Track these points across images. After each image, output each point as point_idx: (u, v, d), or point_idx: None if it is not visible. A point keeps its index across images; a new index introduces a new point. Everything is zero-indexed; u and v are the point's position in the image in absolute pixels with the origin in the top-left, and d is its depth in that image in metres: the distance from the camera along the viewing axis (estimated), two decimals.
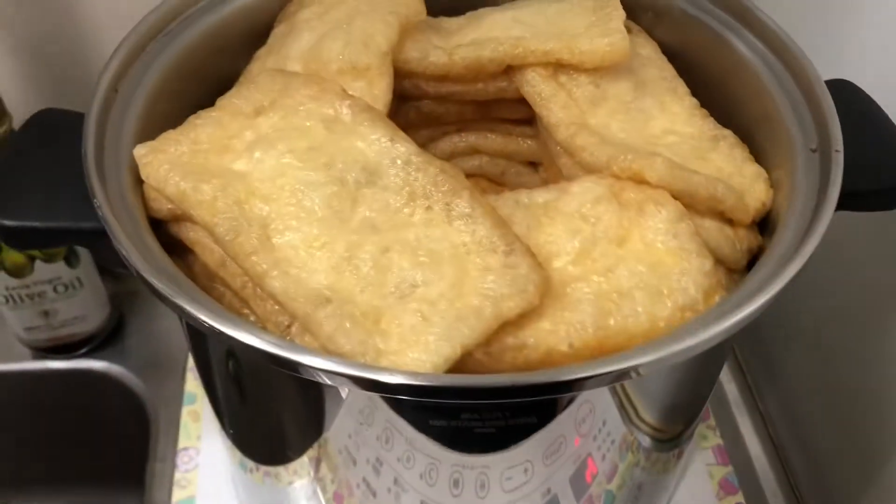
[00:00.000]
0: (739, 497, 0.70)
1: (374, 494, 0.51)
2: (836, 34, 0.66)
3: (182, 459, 0.72)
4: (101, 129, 0.48)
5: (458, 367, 0.41)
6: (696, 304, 0.45)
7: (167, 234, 0.49)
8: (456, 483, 0.49)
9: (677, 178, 0.48)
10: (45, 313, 0.84)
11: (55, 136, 0.51)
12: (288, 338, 0.44)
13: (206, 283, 0.48)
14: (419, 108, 0.59)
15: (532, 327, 0.43)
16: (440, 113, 0.59)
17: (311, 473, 0.54)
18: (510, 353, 0.43)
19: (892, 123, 0.54)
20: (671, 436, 0.57)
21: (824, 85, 0.50)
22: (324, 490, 0.55)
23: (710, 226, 0.50)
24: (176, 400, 0.82)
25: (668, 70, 0.59)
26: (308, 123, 0.48)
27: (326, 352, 0.41)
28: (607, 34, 0.54)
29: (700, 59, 0.59)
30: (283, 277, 0.42)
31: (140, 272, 0.40)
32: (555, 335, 0.43)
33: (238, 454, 0.60)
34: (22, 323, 0.85)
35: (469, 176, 0.63)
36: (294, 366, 0.37)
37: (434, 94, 0.58)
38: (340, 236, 0.43)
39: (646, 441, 0.53)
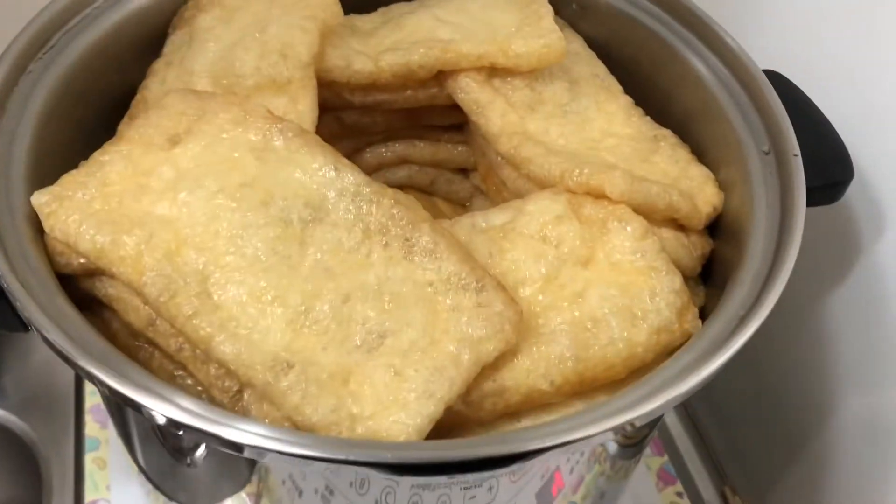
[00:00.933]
0: (679, 486, 0.71)
1: None
2: (757, 22, 0.65)
3: None
4: None
5: (437, 421, 0.37)
6: (671, 325, 0.43)
7: (77, 288, 0.42)
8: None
9: (637, 192, 0.46)
10: None
11: None
12: (239, 405, 0.39)
13: (129, 342, 0.42)
14: (342, 119, 0.54)
15: (510, 367, 0.40)
16: (365, 123, 0.55)
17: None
18: (490, 399, 0.40)
19: (823, 115, 0.54)
20: (639, 439, 0.56)
21: (769, 83, 0.49)
22: None
23: (668, 236, 0.48)
24: (68, 444, 0.74)
25: (600, 67, 0.56)
26: (235, 154, 0.42)
27: (294, 423, 0.36)
28: (541, 34, 0.51)
29: (628, 53, 0.57)
30: (233, 341, 0.37)
31: (64, 350, 0.34)
32: (535, 374, 0.40)
33: (162, 498, 0.55)
34: None
35: (398, 187, 0.59)
36: (240, 448, 0.32)
37: (359, 104, 0.53)
38: (292, 286, 0.38)
39: (613, 449, 0.51)
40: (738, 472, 0.78)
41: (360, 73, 0.51)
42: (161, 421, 0.33)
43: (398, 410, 0.36)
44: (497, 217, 0.46)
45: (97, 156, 0.42)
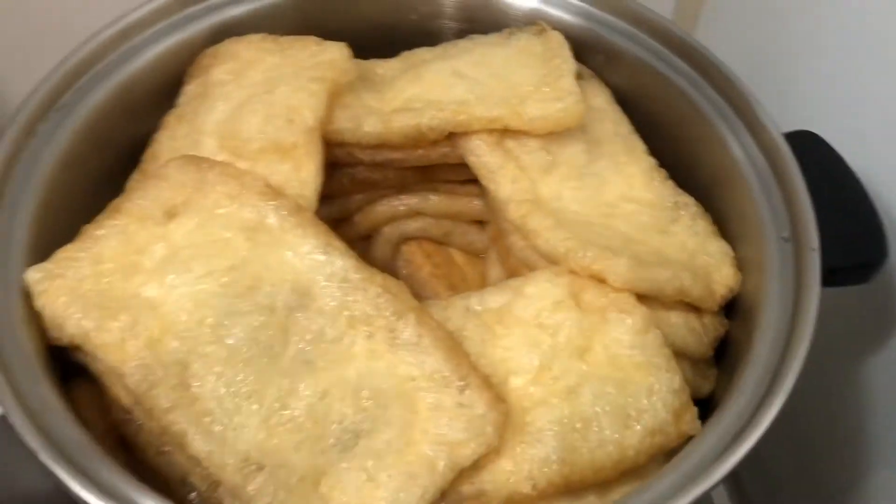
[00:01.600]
0: None
1: None
2: (796, 81, 0.62)
3: None
4: None
5: None
6: (667, 427, 0.41)
7: (72, 358, 0.43)
8: None
9: (642, 280, 0.44)
10: None
11: None
12: (215, 495, 0.39)
13: (120, 415, 0.43)
14: (353, 176, 0.53)
15: (491, 469, 0.39)
16: (377, 179, 0.54)
17: None
18: (468, 503, 0.39)
19: (859, 183, 0.50)
20: None
21: (796, 165, 0.46)
22: None
23: (677, 321, 0.46)
24: None
25: (624, 124, 0.54)
26: (227, 235, 0.42)
27: None
28: (560, 97, 0.49)
29: (655, 109, 0.55)
30: (206, 438, 0.37)
31: (41, 457, 0.35)
32: (517, 476, 0.39)
33: None
34: None
35: (411, 240, 0.58)
36: None
37: (370, 162, 0.52)
38: (271, 380, 0.38)
39: None
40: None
41: (370, 135, 0.50)
42: None
43: None
44: (493, 299, 0.44)
45: (92, 230, 0.42)
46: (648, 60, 0.54)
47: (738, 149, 0.50)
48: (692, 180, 0.52)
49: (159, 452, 0.42)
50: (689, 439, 0.41)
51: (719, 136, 0.51)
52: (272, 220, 0.42)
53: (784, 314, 0.42)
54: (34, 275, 0.40)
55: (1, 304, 0.40)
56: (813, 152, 0.52)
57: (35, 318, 0.41)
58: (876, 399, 0.60)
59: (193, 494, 0.41)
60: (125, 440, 0.43)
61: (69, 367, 0.43)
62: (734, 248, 0.49)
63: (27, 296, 0.41)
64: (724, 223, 0.50)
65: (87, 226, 0.43)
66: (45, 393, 0.38)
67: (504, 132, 0.51)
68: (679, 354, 0.46)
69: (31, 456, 0.35)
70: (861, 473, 0.63)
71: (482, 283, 0.58)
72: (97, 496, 0.34)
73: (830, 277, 0.47)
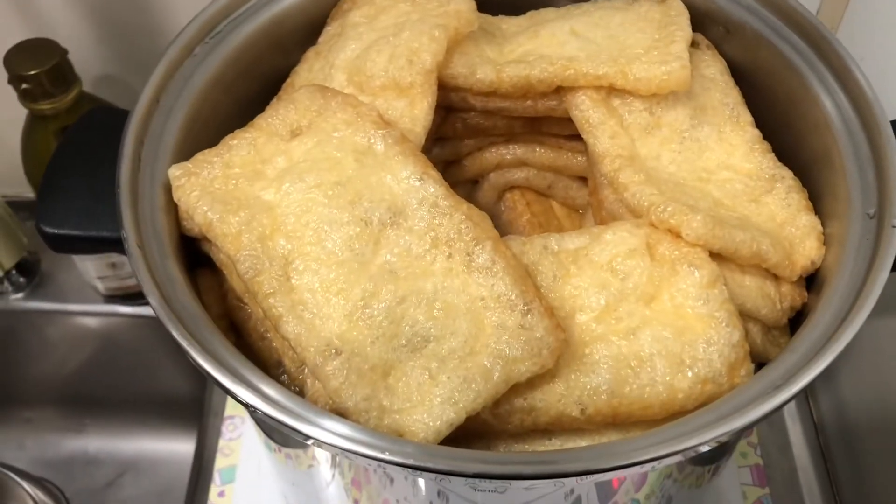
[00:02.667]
0: None
1: (392, 481, 0.52)
2: None
3: (227, 427, 0.75)
4: (138, 143, 0.49)
5: (463, 425, 0.41)
6: (719, 377, 0.43)
7: (200, 250, 0.50)
8: None
9: (717, 238, 0.45)
10: (112, 265, 0.88)
11: (103, 137, 0.52)
12: (301, 377, 0.44)
13: (234, 302, 0.49)
14: (466, 120, 0.57)
15: (543, 389, 0.43)
16: (487, 126, 0.58)
17: (329, 458, 0.55)
18: (518, 414, 0.43)
19: None
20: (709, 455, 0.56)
21: (894, 143, 0.46)
22: (342, 475, 0.56)
23: (751, 284, 0.47)
24: None
25: (733, 95, 0.55)
26: (339, 155, 0.47)
27: (333, 404, 0.41)
28: (666, 61, 0.51)
29: (767, 83, 0.56)
30: (297, 323, 0.42)
31: (158, 314, 0.41)
32: (567, 399, 0.43)
33: (262, 433, 0.63)
34: (94, 272, 0.89)
35: (515, 188, 0.61)
36: (288, 428, 0.38)
37: (481, 109, 0.56)
38: (358, 282, 0.43)
39: None
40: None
41: (482, 82, 0.53)
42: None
43: (423, 411, 0.40)
44: (571, 241, 0.47)
45: (228, 139, 0.49)
46: (767, 35, 0.55)
47: (840, 127, 0.50)
48: (795, 157, 0.53)
49: (262, 337, 0.48)
50: None
51: (825, 115, 0.51)
52: (379, 146, 0.47)
53: (853, 286, 0.43)
54: (175, 171, 0.47)
55: (147, 193, 0.47)
56: None
57: (172, 209, 0.48)
58: None
59: (285, 376, 0.47)
60: (236, 325, 0.50)
61: (198, 258, 0.50)
62: (823, 224, 0.49)
63: (168, 189, 0.48)
64: (817, 200, 0.51)
65: (226, 136, 0.49)
66: (173, 271, 0.45)
67: (610, 90, 0.53)
68: (749, 317, 0.48)
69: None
70: None
71: None
72: (202, 356, 0.40)
73: None
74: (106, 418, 1.06)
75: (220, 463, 0.73)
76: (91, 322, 0.99)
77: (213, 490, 0.71)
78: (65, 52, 0.74)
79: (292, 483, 0.63)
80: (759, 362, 0.49)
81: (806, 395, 0.84)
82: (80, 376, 1.04)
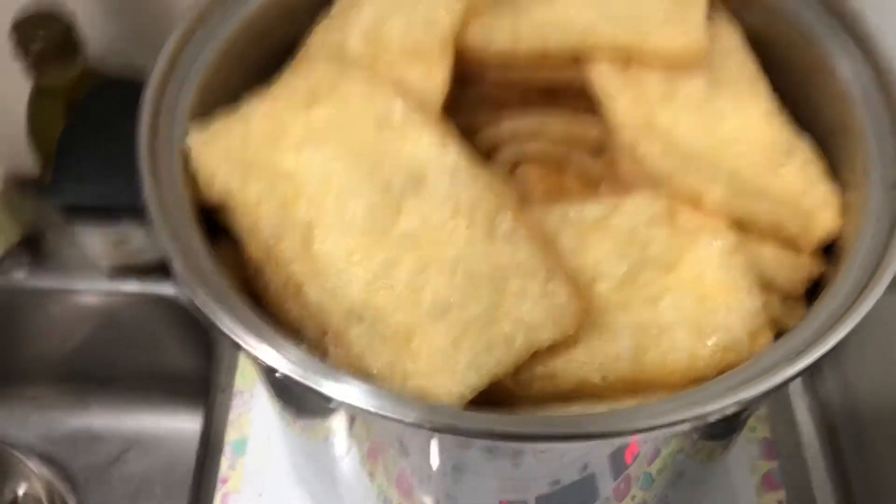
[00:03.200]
0: (781, 494, 0.70)
1: (407, 453, 0.52)
2: None
3: (237, 402, 0.75)
4: (156, 111, 0.49)
5: (485, 391, 0.41)
6: (740, 345, 0.43)
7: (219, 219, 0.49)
8: (489, 448, 0.49)
9: (737, 207, 0.46)
10: (118, 242, 0.87)
11: (115, 110, 0.52)
12: (322, 345, 0.44)
13: (254, 272, 0.49)
14: (481, 92, 0.57)
15: (565, 356, 0.43)
16: (503, 97, 0.57)
17: (347, 429, 0.55)
18: (539, 381, 0.43)
19: None
20: (723, 428, 0.56)
21: None
22: (359, 447, 0.56)
23: (768, 254, 0.48)
24: None
25: (750, 65, 0.55)
26: (358, 122, 0.47)
27: (356, 369, 0.41)
28: (684, 31, 0.51)
29: (786, 53, 0.55)
30: (320, 290, 0.42)
31: (181, 281, 0.41)
32: (588, 366, 0.43)
33: (278, 404, 0.63)
34: (99, 248, 0.89)
35: (530, 160, 0.61)
36: (313, 392, 0.38)
37: (497, 80, 0.56)
38: (380, 250, 0.43)
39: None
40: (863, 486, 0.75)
41: (499, 53, 0.53)
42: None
43: (446, 376, 0.40)
44: (591, 211, 0.47)
45: (246, 106, 0.49)
46: (786, 4, 0.55)
47: (860, 98, 0.50)
48: (812, 127, 0.53)
49: (280, 307, 0.48)
50: None
51: (845, 88, 0.51)
52: (398, 113, 0.47)
53: (874, 256, 0.43)
54: (195, 137, 0.47)
55: (166, 160, 0.47)
56: None
57: (191, 178, 0.48)
58: None
59: (305, 345, 0.47)
60: (254, 295, 0.50)
61: (215, 230, 0.50)
62: (842, 194, 0.49)
63: (186, 158, 0.48)
64: (836, 170, 0.51)
65: (244, 103, 0.49)
66: (193, 238, 0.45)
67: (628, 60, 0.53)
68: (768, 287, 0.48)
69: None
70: None
71: None
72: (231, 319, 0.40)
73: None
74: (110, 395, 1.06)
75: (231, 436, 0.73)
76: (94, 300, 0.99)
77: (224, 463, 0.71)
78: (72, 21, 0.73)
79: (307, 456, 0.63)
80: (777, 333, 0.49)
81: (811, 371, 0.85)
82: (84, 353, 1.04)
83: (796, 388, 0.83)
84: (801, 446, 0.79)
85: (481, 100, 0.58)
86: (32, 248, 0.93)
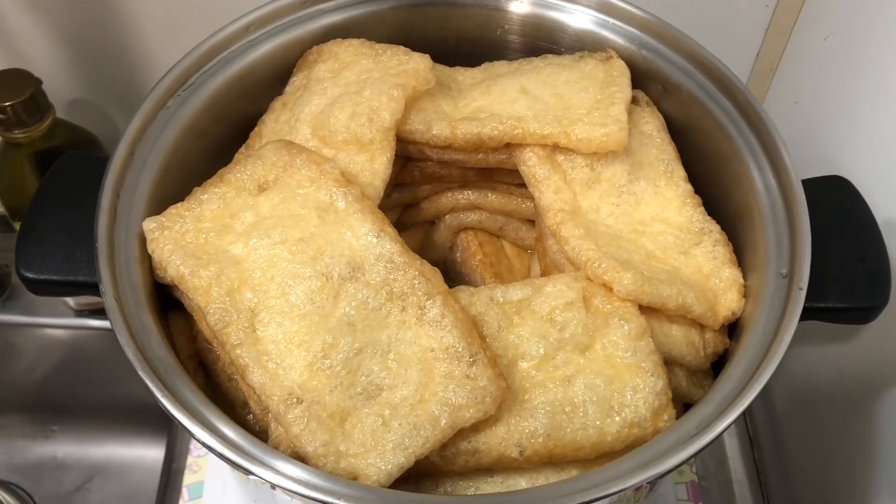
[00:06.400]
0: None
1: None
2: (848, 133, 0.66)
3: (195, 444, 0.78)
4: (115, 197, 0.52)
5: (413, 466, 0.45)
6: (644, 422, 0.48)
7: (172, 294, 0.53)
8: None
9: (645, 294, 0.50)
10: None
11: (79, 183, 0.55)
12: (266, 419, 0.48)
13: (204, 344, 0.53)
14: (423, 169, 0.62)
15: (487, 433, 0.47)
16: (443, 174, 0.62)
17: None
18: (463, 456, 0.47)
19: (879, 234, 0.55)
20: None
21: (806, 210, 0.51)
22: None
23: (677, 333, 0.52)
24: None
25: (668, 151, 0.60)
26: (303, 211, 0.51)
27: (293, 448, 0.45)
28: (605, 123, 0.56)
29: (700, 140, 0.60)
30: (262, 372, 0.46)
31: (133, 364, 0.45)
32: (508, 442, 0.47)
33: None
34: None
35: (469, 229, 0.66)
36: (250, 473, 0.42)
37: (437, 160, 0.60)
38: (318, 333, 0.47)
39: None
40: None
41: (438, 138, 0.58)
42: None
43: (376, 456, 0.44)
44: (515, 293, 0.52)
45: (199, 193, 0.52)
46: (700, 97, 0.60)
47: (761, 188, 0.55)
48: (722, 211, 0.58)
49: (229, 378, 0.52)
50: None
51: (748, 174, 0.56)
52: (340, 203, 0.51)
53: (765, 340, 0.48)
54: (149, 224, 0.51)
55: (122, 244, 0.51)
56: (839, 195, 0.57)
57: (146, 259, 0.52)
58: (884, 433, 0.64)
59: (251, 416, 0.51)
60: (205, 365, 0.54)
61: (170, 302, 0.54)
62: (744, 277, 0.54)
63: (143, 240, 0.52)
64: (740, 253, 0.56)
65: (196, 189, 0.53)
66: (146, 320, 0.49)
67: (555, 147, 0.58)
68: (675, 363, 0.53)
69: (132, 369, 0.46)
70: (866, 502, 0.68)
71: (527, 276, 0.66)
72: (172, 404, 0.44)
73: (834, 315, 0.53)
74: (74, 424, 1.08)
75: (189, 479, 0.76)
76: (61, 334, 1.02)
77: None
78: (39, 82, 0.77)
79: (255, 500, 0.67)
80: (686, 402, 0.54)
81: (744, 413, 0.90)
82: (49, 384, 1.06)
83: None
84: (730, 483, 0.84)
85: (424, 175, 0.62)
86: (1, 283, 0.96)
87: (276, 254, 0.49)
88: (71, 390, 1.06)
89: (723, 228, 0.57)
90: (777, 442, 0.85)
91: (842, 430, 0.72)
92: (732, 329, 0.55)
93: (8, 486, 1.03)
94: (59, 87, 0.85)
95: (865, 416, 0.67)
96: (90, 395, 1.06)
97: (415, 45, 0.62)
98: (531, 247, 0.66)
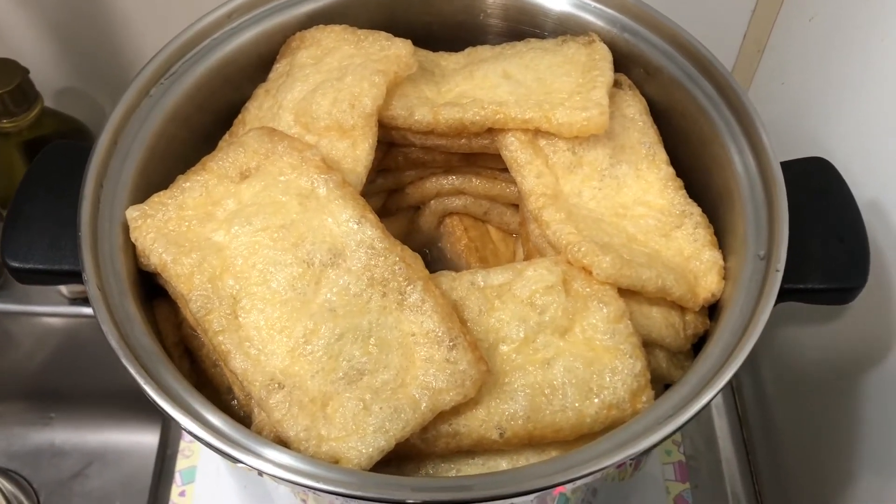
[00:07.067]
0: None
1: None
2: (832, 115, 0.66)
3: None
4: (98, 187, 0.53)
5: (394, 449, 0.46)
6: (623, 403, 0.48)
7: (156, 282, 0.54)
8: None
9: (624, 277, 0.51)
10: None
11: (65, 172, 0.56)
12: (249, 404, 0.49)
13: (189, 331, 0.53)
14: (407, 155, 0.62)
15: (467, 415, 0.48)
16: (426, 159, 0.62)
17: None
18: (444, 439, 0.48)
19: (858, 215, 0.55)
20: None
21: (784, 192, 0.52)
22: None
23: (657, 315, 0.53)
24: None
25: (650, 135, 0.60)
26: (284, 198, 0.51)
27: (276, 433, 0.46)
28: (586, 107, 0.56)
29: (682, 123, 0.61)
30: (244, 358, 0.47)
31: (117, 352, 0.46)
32: (487, 425, 0.48)
33: None
34: None
35: (454, 214, 0.66)
36: (234, 459, 0.43)
37: (420, 145, 0.60)
38: (300, 319, 0.48)
39: None
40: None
41: (420, 123, 0.58)
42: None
43: (357, 439, 0.45)
44: (496, 277, 0.52)
45: (181, 181, 0.53)
46: (681, 80, 0.60)
47: (741, 170, 0.55)
48: (704, 193, 0.58)
49: (214, 365, 0.53)
50: None
51: (728, 157, 0.56)
52: (321, 190, 0.51)
53: (742, 322, 0.49)
54: (132, 213, 0.51)
55: (106, 233, 0.51)
56: (820, 177, 0.57)
57: (130, 247, 0.52)
58: (868, 411, 0.65)
59: (235, 402, 0.52)
60: (190, 352, 0.54)
61: (155, 289, 0.54)
62: (724, 259, 0.55)
63: (126, 229, 0.52)
64: (721, 236, 0.56)
65: (179, 177, 0.53)
66: (130, 308, 0.49)
67: (537, 132, 0.58)
68: (655, 344, 0.53)
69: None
70: (852, 478, 0.68)
71: (512, 259, 0.66)
72: (156, 392, 0.44)
73: (813, 295, 0.53)
74: (71, 411, 1.09)
75: (181, 464, 0.77)
76: (56, 322, 1.02)
77: (175, 490, 0.76)
78: (26, 71, 0.77)
79: (244, 486, 0.68)
80: (666, 383, 0.54)
81: (732, 389, 0.91)
82: (46, 372, 1.07)
83: (717, 406, 0.89)
84: (719, 462, 0.85)
85: (407, 161, 0.62)
86: None
87: (258, 241, 0.50)
88: (68, 378, 1.07)
89: (704, 211, 0.57)
90: (766, 421, 0.86)
91: (829, 409, 0.72)
92: (713, 311, 0.55)
93: (7, 473, 1.04)
94: (47, 75, 0.85)
95: (851, 394, 0.68)
96: (87, 383, 1.07)
97: (398, 30, 0.62)
98: (516, 231, 0.67)
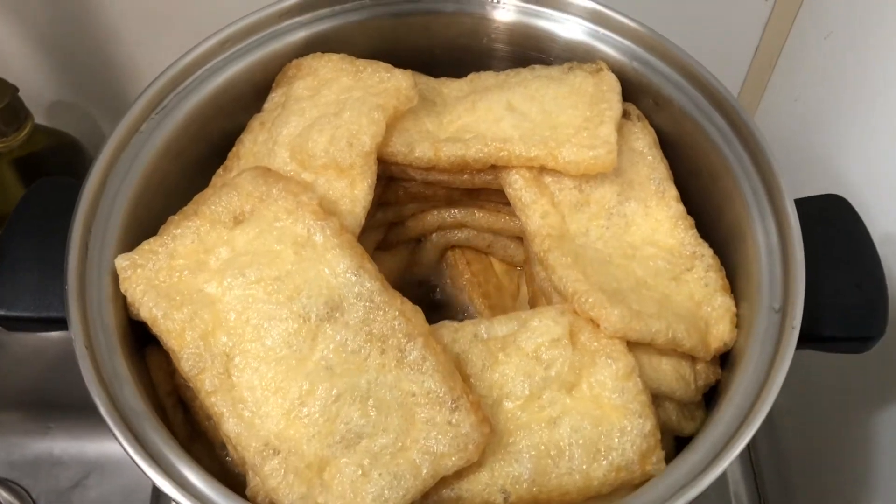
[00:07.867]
0: None
1: None
2: (844, 149, 0.64)
3: None
4: (86, 232, 0.51)
5: None
6: (632, 465, 0.47)
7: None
8: None
9: (633, 331, 0.49)
10: None
11: (53, 211, 0.54)
12: (245, 469, 0.47)
13: (183, 381, 0.52)
14: (407, 189, 0.60)
15: (470, 479, 0.46)
16: (427, 194, 0.60)
17: None
18: None
19: (874, 252, 0.53)
20: None
21: (800, 240, 0.49)
22: None
23: (667, 367, 0.51)
24: None
25: (660, 169, 0.58)
26: (279, 247, 0.49)
27: (271, 500, 0.44)
28: (594, 145, 0.54)
29: (692, 156, 0.58)
30: (238, 422, 0.45)
31: (104, 417, 0.44)
32: (491, 488, 0.46)
33: None
34: None
35: (456, 247, 0.64)
36: None
37: (421, 180, 0.58)
38: (296, 379, 0.46)
39: None
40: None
41: (421, 160, 0.56)
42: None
43: None
44: (500, 328, 0.50)
45: (172, 227, 0.51)
46: (691, 112, 0.57)
47: (755, 209, 0.53)
48: (715, 230, 0.56)
49: (207, 418, 0.51)
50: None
51: (740, 194, 0.54)
52: (318, 237, 0.49)
53: (759, 376, 0.47)
54: (122, 262, 0.49)
55: (95, 282, 0.49)
56: (837, 217, 0.55)
57: (119, 297, 0.50)
58: (880, 453, 0.63)
59: (229, 458, 0.50)
60: (184, 402, 0.53)
61: (147, 335, 0.52)
62: (737, 303, 0.53)
63: (115, 277, 0.50)
64: (733, 277, 0.54)
65: (171, 219, 0.51)
66: (119, 365, 0.47)
67: (542, 169, 0.56)
68: (665, 397, 0.51)
69: None
70: None
71: (516, 293, 0.64)
72: (145, 460, 0.43)
73: (829, 345, 0.51)
74: (70, 421, 1.08)
75: None
76: (54, 333, 1.01)
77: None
78: (15, 89, 0.75)
79: None
80: (676, 435, 0.53)
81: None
82: (44, 382, 1.06)
83: None
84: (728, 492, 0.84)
85: (408, 195, 0.60)
86: None
87: (252, 294, 0.48)
88: (66, 388, 1.05)
89: (715, 248, 0.55)
90: (774, 446, 0.84)
91: (839, 438, 0.71)
92: (725, 358, 0.53)
93: (6, 483, 1.03)
94: (38, 90, 0.83)
95: (863, 423, 0.66)
96: (86, 393, 1.05)
97: (400, 54, 0.60)
98: (520, 263, 0.65)
